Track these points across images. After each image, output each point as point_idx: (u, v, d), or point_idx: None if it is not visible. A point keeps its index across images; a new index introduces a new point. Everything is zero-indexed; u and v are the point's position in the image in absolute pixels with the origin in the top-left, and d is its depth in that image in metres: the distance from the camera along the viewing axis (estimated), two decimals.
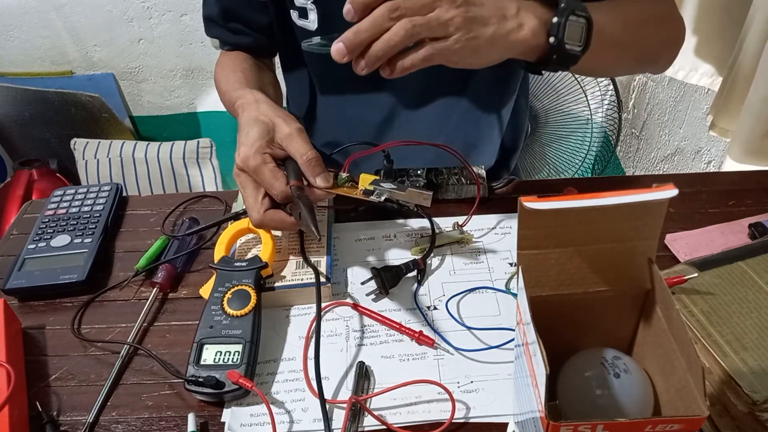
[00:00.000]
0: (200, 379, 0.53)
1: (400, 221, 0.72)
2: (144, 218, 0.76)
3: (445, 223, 0.71)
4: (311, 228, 0.56)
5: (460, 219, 0.70)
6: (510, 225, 0.71)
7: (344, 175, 0.61)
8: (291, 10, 0.75)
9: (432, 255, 0.67)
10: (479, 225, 0.71)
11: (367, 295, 0.63)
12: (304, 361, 0.57)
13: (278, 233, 0.67)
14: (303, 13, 0.74)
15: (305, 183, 0.59)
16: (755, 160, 0.94)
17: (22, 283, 0.64)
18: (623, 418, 0.36)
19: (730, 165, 1.00)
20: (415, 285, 0.64)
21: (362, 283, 0.64)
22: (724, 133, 1.03)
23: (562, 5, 0.56)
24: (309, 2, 0.73)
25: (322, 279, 0.61)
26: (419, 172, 0.75)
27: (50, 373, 0.58)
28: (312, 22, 0.74)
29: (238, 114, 0.63)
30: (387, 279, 0.62)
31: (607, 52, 0.64)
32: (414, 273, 0.64)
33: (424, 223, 0.71)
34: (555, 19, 0.55)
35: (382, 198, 0.59)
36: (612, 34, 0.62)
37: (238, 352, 0.55)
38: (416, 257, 0.65)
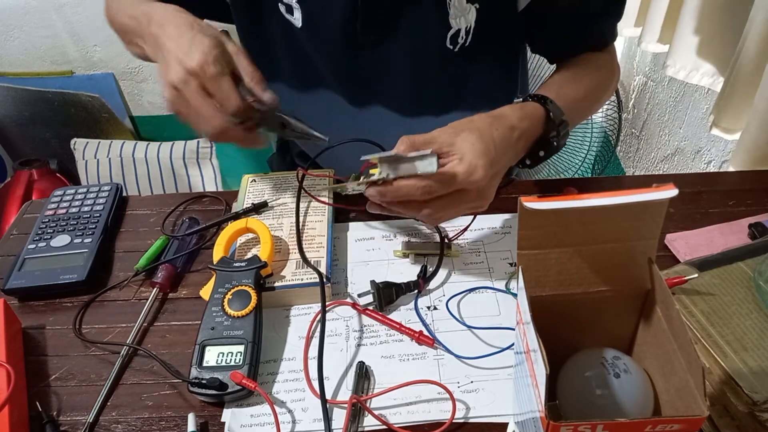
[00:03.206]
0: (203, 381, 0.53)
1: (401, 222, 0.72)
2: (144, 218, 0.76)
3: (447, 224, 0.71)
4: (313, 133, 0.50)
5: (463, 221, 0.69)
6: (510, 225, 0.71)
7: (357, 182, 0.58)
8: (278, 3, 0.75)
9: (431, 263, 0.67)
10: (479, 225, 0.71)
11: (364, 306, 0.63)
12: (305, 361, 0.57)
13: (278, 233, 0.67)
14: (289, 9, 0.74)
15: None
16: (760, 166, 0.93)
17: (22, 283, 0.65)
18: (623, 418, 0.36)
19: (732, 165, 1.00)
20: (415, 298, 0.63)
21: (359, 296, 0.64)
22: (727, 131, 1.02)
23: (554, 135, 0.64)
24: (294, 0, 0.72)
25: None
26: None
27: (50, 373, 0.58)
28: (297, 20, 0.74)
29: (147, 16, 0.57)
30: (384, 296, 0.62)
31: (573, 123, 0.73)
32: (414, 292, 0.63)
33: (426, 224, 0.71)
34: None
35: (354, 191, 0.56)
36: (579, 110, 0.73)
37: (240, 352, 0.55)
38: (418, 278, 0.64)
